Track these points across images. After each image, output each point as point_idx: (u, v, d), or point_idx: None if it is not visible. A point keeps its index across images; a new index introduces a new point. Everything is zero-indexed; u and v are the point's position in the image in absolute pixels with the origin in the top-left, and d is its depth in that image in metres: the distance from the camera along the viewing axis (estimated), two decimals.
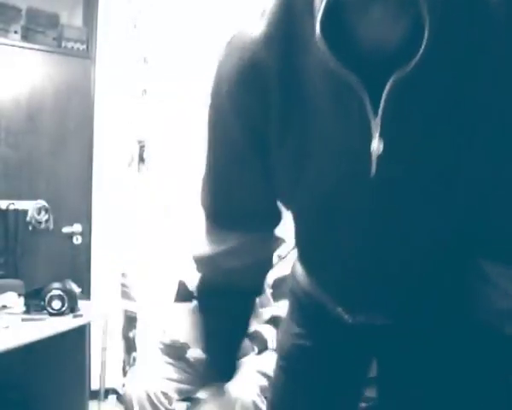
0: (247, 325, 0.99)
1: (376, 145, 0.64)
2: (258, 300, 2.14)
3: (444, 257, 0.78)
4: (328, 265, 0.85)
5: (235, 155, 0.79)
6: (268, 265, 0.94)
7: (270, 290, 2.00)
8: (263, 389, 1.97)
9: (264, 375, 2.05)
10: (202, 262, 0.95)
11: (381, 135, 0.64)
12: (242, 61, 0.73)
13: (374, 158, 0.65)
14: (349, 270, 0.81)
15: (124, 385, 2.07)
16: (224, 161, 0.83)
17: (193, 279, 2.37)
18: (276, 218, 0.88)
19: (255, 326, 2.22)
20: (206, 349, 0.98)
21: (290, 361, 1.02)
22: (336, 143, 0.69)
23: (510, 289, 0.71)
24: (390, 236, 0.74)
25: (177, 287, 2.41)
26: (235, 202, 0.84)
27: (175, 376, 2.09)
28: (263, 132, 0.73)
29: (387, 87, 0.60)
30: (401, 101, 0.62)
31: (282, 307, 2.25)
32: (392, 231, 0.74)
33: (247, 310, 0.96)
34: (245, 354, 2.11)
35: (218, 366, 0.96)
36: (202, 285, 0.97)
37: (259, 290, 0.97)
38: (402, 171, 0.67)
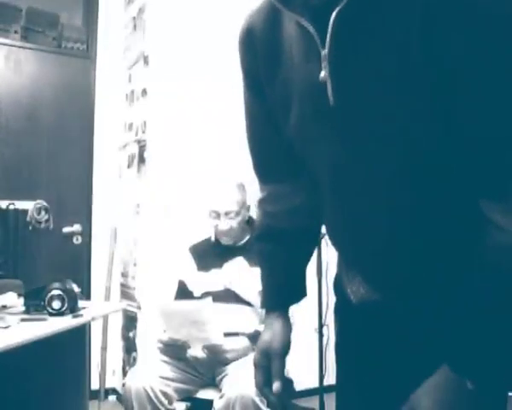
0: (296, 262, 1.05)
1: (323, 74, 0.73)
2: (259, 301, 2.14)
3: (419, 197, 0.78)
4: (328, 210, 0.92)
5: (253, 116, 0.99)
6: (302, 211, 1.00)
7: None
8: None
9: None
10: (256, 207, 1.10)
11: (329, 64, 0.73)
12: (242, 31, 0.92)
13: (329, 88, 0.73)
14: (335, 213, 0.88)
15: (124, 385, 2.07)
16: (249, 123, 1.01)
17: (192, 278, 2.38)
18: (299, 169, 0.94)
19: (255, 326, 2.22)
20: (263, 283, 1.09)
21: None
22: (303, 82, 0.79)
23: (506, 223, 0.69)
24: (358, 168, 0.79)
25: (177, 286, 2.41)
26: (262, 157, 1.01)
27: (175, 376, 2.10)
28: (262, 89, 0.89)
29: (330, 21, 0.70)
30: (343, 32, 0.70)
31: None
32: (358, 162, 0.78)
33: (292, 250, 1.03)
34: (245, 354, 2.11)
35: (271, 297, 1.07)
36: (258, 226, 1.10)
37: (302, 233, 1.03)
38: (357, 100, 0.73)
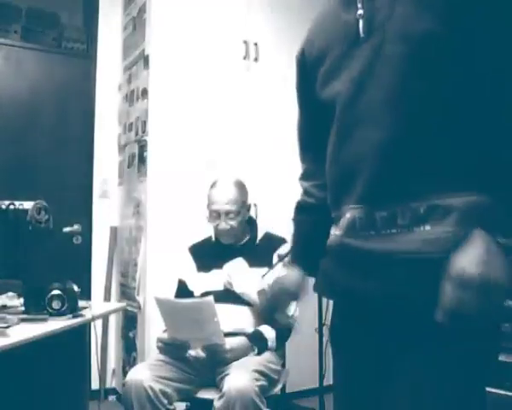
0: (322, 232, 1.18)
1: (360, 12, 0.98)
2: (259, 301, 2.14)
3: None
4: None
5: (299, 102, 1.24)
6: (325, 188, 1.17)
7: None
8: (262, 389, 1.97)
9: (264, 375, 2.05)
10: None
11: (363, 7, 0.98)
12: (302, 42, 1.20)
13: (361, 24, 0.97)
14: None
15: (124, 385, 2.07)
16: (299, 114, 1.26)
17: (192, 278, 2.38)
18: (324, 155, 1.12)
19: (255, 326, 2.22)
20: (292, 244, 1.34)
21: None
22: (339, 27, 1.04)
23: None
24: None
25: (177, 285, 2.41)
26: (301, 138, 1.27)
27: (175, 375, 2.09)
28: (309, 77, 1.13)
29: None
30: None
31: None
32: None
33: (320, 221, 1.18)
34: (245, 354, 2.11)
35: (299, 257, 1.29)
36: (296, 201, 1.32)
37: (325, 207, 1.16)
38: (381, 31, 0.94)
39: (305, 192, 1.28)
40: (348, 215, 0.99)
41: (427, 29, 0.87)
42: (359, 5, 0.97)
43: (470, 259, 0.77)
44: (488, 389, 0.90)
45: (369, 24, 0.95)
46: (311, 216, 1.25)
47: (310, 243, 1.25)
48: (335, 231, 1.07)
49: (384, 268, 0.90)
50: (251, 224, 2.43)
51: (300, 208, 1.30)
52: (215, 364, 2.08)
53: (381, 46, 0.93)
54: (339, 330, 1.12)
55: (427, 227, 0.86)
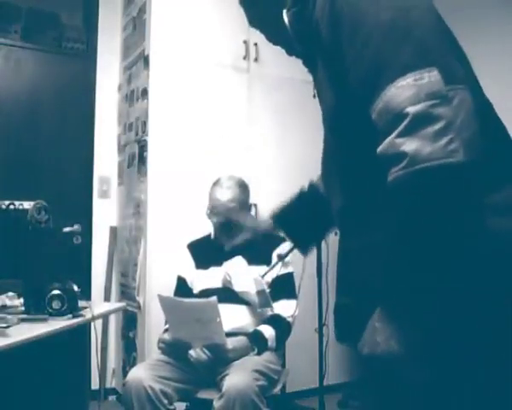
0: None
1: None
2: (257, 300, 2.15)
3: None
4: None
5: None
6: None
7: (269, 290, 2.00)
8: (262, 389, 1.97)
9: (264, 375, 2.05)
10: None
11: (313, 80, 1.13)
12: None
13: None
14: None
15: (124, 385, 2.06)
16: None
17: (191, 275, 2.38)
18: None
19: (254, 326, 2.22)
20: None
21: None
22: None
23: None
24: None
25: (176, 282, 2.41)
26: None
27: (175, 375, 2.09)
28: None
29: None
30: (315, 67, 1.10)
31: (281, 307, 2.25)
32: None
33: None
34: (245, 354, 2.11)
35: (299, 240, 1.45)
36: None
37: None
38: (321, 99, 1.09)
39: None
40: None
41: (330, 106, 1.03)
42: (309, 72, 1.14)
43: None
44: None
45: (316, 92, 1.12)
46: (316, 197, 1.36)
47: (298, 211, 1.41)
48: None
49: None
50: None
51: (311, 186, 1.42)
52: (216, 364, 2.08)
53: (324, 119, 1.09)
54: None
55: None
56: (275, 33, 1.14)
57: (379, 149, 0.84)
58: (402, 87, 0.81)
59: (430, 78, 0.80)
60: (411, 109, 0.79)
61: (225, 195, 2.30)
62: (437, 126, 0.78)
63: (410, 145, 0.78)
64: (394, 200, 0.84)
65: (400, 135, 0.80)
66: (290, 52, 1.16)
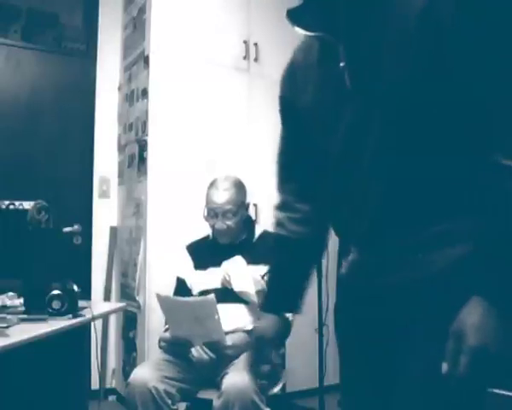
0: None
1: (342, 64, 0.95)
2: (257, 300, 2.14)
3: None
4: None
5: (285, 138, 1.36)
6: (306, 222, 1.27)
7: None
8: (262, 389, 1.97)
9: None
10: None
11: (346, 57, 0.95)
12: (286, 64, 1.23)
13: (346, 75, 0.94)
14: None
15: (127, 385, 2.06)
16: (281, 144, 1.39)
17: (190, 276, 2.38)
18: (312, 186, 1.21)
19: (253, 324, 2.22)
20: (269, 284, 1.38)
21: None
22: (326, 77, 1.02)
23: None
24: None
25: (175, 283, 2.41)
26: (285, 172, 1.41)
27: (179, 376, 2.09)
28: (294, 111, 1.17)
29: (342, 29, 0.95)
30: (354, 34, 0.94)
31: None
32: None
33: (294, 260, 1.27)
34: (245, 351, 2.10)
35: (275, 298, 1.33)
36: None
37: (305, 244, 1.28)
38: (366, 81, 0.93)
39: (281, 224, 1.30)
40: None
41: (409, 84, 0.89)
42: (341, 56, 0.95)
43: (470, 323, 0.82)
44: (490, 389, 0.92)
45: (353, 78, 0.95)
46: (286, 254, 1.29)
47: (285, 284, 1.29)
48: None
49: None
50: (248, 222, 2.43)
51: (277, 242, 1.32)
52: (218, 363, 2.08)
53: (366, 103, 0.95)
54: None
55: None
56: None
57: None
58: None
59: None
60: None
61: (221, 197, 2.30)
62: None
63: None
64: None
65: None
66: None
